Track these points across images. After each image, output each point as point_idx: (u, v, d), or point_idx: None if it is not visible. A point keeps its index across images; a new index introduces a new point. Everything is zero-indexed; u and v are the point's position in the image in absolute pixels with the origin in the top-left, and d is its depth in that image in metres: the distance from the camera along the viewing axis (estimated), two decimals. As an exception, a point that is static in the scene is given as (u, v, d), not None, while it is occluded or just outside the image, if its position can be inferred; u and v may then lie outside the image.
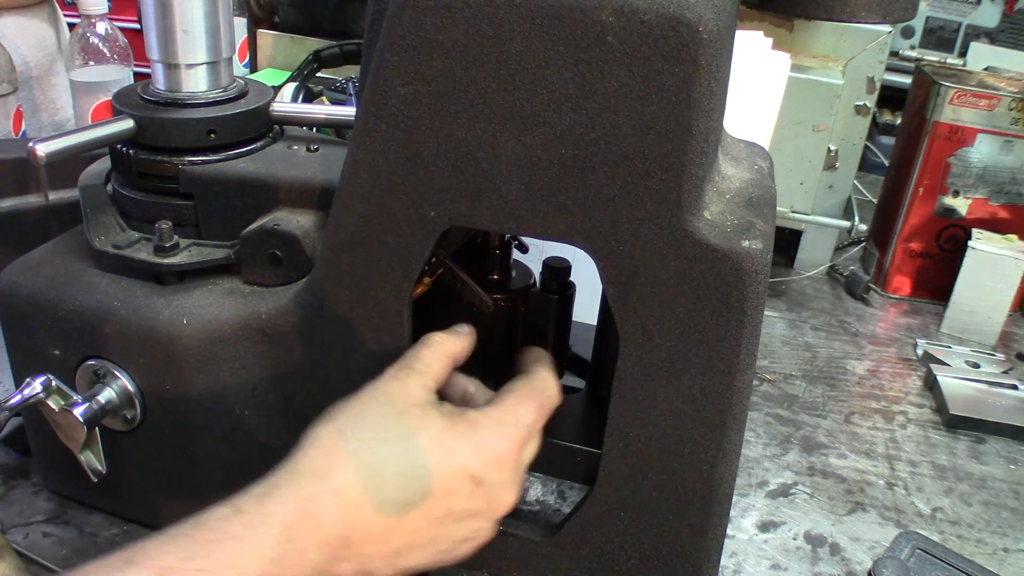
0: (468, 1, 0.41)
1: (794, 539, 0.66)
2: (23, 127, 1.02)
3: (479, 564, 0.56)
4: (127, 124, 0.53)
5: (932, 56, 1.68)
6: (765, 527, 0.67)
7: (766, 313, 0.73)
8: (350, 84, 1.02)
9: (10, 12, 1.05)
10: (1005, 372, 0.89)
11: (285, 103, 0.67)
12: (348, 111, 0.57)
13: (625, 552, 0.54)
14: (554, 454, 0.49)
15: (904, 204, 1.03)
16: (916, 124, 1.02)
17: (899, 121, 1.38)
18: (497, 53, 0.42)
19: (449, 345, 0.49)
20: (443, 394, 0.49)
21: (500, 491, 0.45)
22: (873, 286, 1.07)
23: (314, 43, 1.15)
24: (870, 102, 1.04)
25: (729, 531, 0.64)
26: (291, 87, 0.90)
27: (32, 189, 0.75)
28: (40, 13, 1.09)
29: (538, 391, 0.48)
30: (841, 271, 1.11)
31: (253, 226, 0.53)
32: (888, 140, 1.88)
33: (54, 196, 0.75)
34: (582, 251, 0.46)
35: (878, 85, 1.04)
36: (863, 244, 1.18)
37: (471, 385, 0.51)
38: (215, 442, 0.55)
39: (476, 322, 0.54)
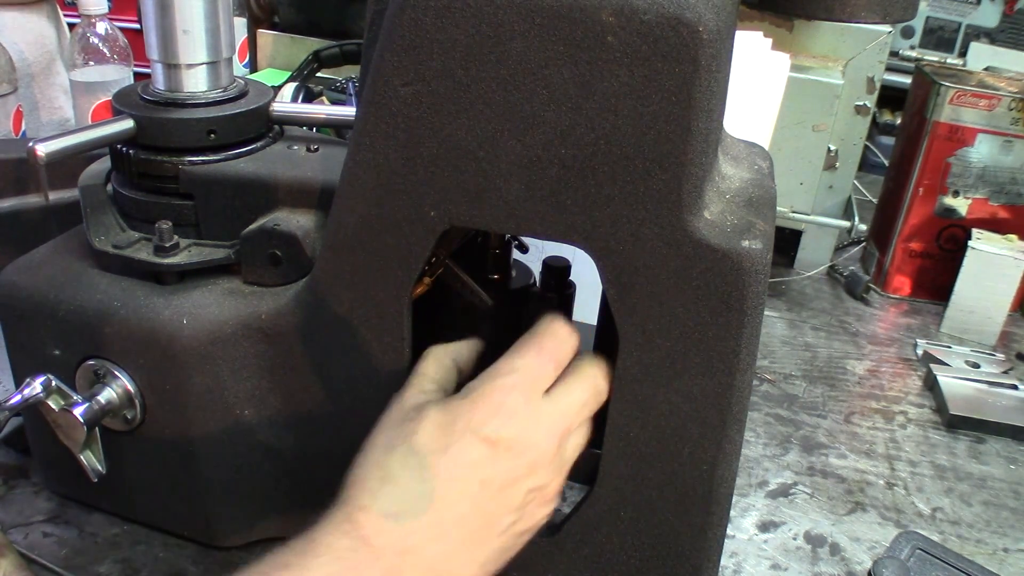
0: (468, 1, 0.41)
1: (794, 539, 0.66)
2: (23, 127, 1.02)
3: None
4: (127, 124, 0.53)
5: (932, 56, 1.68)
6: (765, 527, 0.67)
7: (766, 313, 0.73)
8: (350, 84, 1.02)
9: (8, 8, 1.04)
10: (1005, 372, 0.89)
11: (285, 103, 0.67)
12: (348, 111, 0.57)
13: (625, 552, 0.54)
14: (554, 454, 0.49)
15: (904, 204, 1.03)
16: (916, 124, 1.02)
17: (899, 121, 1.38)
18: (497, 53, 0.42)
19: (442, 348, 0.50)
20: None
21: (523, 441, 0.43)
22: (873, 286, 1.07)
23: (314, 43, 1.15)
24: (870, 102, 1.04)
25: (729, 531, 0.64)
26: (291, 87, 0.90)
27: (32, 189, 0.75)
28: (39, 11, 1.08)
29: (538, 335, 0.46)
30: (841, 271, 1.11)
31: (253, 226, 0.53)
32: (888, 140, 1.88)
33: (54, 196, 0.75)
34: (582, 251, 0.46)
35: (878, 85, 1.04)
36: (863, 244, 1.18)
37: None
38: (215, 442, 0.55)
39: (476, 322, 0.54)
